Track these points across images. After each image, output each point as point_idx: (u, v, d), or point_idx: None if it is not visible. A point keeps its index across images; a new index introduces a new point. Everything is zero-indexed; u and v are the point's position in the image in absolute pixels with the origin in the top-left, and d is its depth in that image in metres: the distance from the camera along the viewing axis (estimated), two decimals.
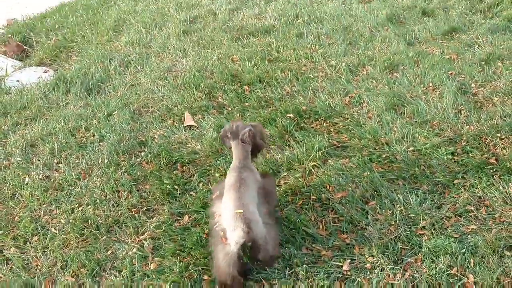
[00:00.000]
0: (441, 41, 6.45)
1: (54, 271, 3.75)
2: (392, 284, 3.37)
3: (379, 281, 3.39)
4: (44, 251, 3.93)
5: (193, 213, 4.09)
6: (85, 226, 4.10)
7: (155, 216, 4.14)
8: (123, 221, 4.11)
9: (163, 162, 4.68)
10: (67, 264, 3.79)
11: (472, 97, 5.17)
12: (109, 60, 6.88)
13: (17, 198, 4.52)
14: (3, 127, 5.60)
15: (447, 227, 3.75)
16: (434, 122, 4.83)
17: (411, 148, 4.52)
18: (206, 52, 6.76)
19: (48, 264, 3.81)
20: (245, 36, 7.11)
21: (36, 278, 3.72)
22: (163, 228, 3.98)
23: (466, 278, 3.33)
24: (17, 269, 3.80)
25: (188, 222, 4.02)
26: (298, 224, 3.87)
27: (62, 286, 3.60)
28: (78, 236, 4.01)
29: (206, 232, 3.88)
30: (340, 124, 4.99)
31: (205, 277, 3.55)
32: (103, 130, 5.27)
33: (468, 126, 4.68)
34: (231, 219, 3.26)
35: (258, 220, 3.34)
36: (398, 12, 7.35)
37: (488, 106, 5.00)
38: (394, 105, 5.16)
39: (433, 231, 3.71)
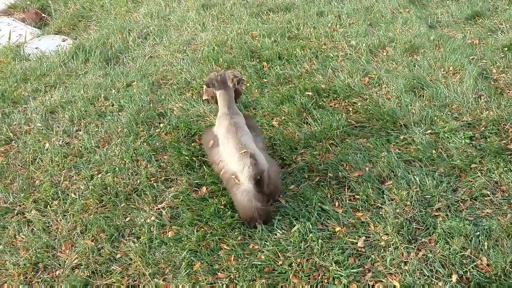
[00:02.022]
0: (464, 26, 6.38)
1: (74, 235, 3.84)
2: (405, 262, 3.42)
3: (393, 259, 3.44)
4: (64, 215, 4.02)
5: (210, 184, 4.15)
6: (104, 193, 4.18)
7: (173, 186, 4.20)
8: (141, 189, 4.18)
9: (182, 134, 4.73)
10: (86, 229, 3.88)
11: (492, 83, 5.13)
12: (128, 31, 6.87)
13: (38, 163, 4.60)
14: (23, 93, 5.65)
15: (462, 210, 3.78)
16: (453, 106, 4.82)
17: (429, 131, 4.53)
18: (226, 27, 6.73)
19: (68, 227, 3.90)
20: (265, 12, 7.07)
21: (56, 240, 3.82)
22: (181, 198, 4.05)
23: (479, 260, 3.38)
24: (38, 231, 3.90)
25: (206, 193, 4.08)
26: (314, 200, 3.92)
27: (82, 249, 3.69)
28: (98, 202, 4.09)
29: (223, 203, 3.94)
30: (359, 104, 4.99)
31: (223, 246, 3.62)
32: (122, 100, 5.31)
33: (487, 112, 4.67)
34: (238, 162, 3.64)
35: (261, 155, 3.73)
36: None
37: (508, 92, 4.97)
38: (413, 88, 5.14)
39: (448, 213, 3.74)
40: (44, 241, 3.79)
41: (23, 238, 3.85)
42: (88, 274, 3.52)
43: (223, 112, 4.06)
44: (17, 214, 4.09)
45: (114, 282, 3.45)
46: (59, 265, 3.63)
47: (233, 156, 3.72)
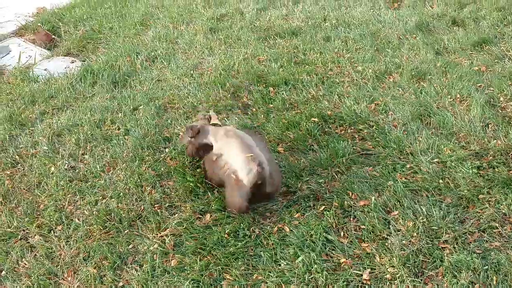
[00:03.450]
0: (471, 52, 6.38)
1: (77, 262, 3.82)
2: None
3: None
4: (68, 241, 4.00)
5: (215, 211, 4.13)
6: (108, 218, 4.16)
7: (177, 213, 4.18)
8: (145, 216, 4.16)
9: (187, 160, 4.72)
10: (89, 255, 3.85)
11: (500, 111, 5.11)
12: (136, 54, 6.94)
13: (43, 186, 4.60)
14: (31, 115, 5.69)
15: (470, 242, 3.72)
16: (461, 135, 4.79)
17: (436, 160, 4.49)
18: (233, 51, 6.78)
19: (71, 254, 3.88)
20: (272, 36, 7.12)
21: (59, 267, 3.79)
22: (184, 225, 4.02)
23: None
24: (41, 257, 3.88)
25: (210, 221, 4.05)
26: (319, 230, 3.87)
27: (84, 276, 3.66)
28: (101, 228, 4.07)
29: (227, 232, 3.91)
30: (365, 131, 4.98)
31: (227, 276, 3.57)
32: (128, 124, 5.33)
33: (495, 141, 4.63)
34: (243, 163, 3.91)
35: (265, 160, 3.95)
36: (427, 20, 7.28)
37: None
38: (420, 115, 5.12)
39: (455, 246, 3.68)
40: (47, 267, 3.77)
41: (25, 264, 3.83)
42: None
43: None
44: (20, 239, 4.08)
45: None
46: None
47: (237, 155, 3.99)
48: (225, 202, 4.16)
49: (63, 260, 3.83)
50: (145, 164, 4.72)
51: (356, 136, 4.95)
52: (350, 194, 4.20)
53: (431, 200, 4.08)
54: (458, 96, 5.38)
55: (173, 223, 4.05)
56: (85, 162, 4.86)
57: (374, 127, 5.02)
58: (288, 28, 7.31)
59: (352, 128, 5.06)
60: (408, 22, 7.23)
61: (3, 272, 3.79)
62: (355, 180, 4.34)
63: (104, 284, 3.62)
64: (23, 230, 4.16)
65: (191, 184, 4.41)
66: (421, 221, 3.87)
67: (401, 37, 6.87)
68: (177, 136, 5.08)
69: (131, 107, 5.65)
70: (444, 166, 4.43)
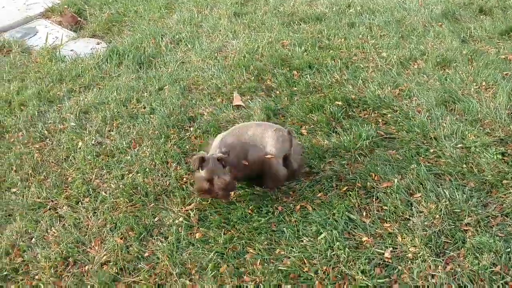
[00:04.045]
0: (497, 41, 6.31)
1: (104, 232, 3.93)
2: (433, 275, 3.39)
3: (420, 271, 3.41)
4: (95, 212, 4.11)
5: (238, 189, 4.19)
6: (134, 192, 4.26)
7: None
8: (171, 190, 4.25)
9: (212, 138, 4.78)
10: (116, 226, 3.95)
11: None
12: (160, 36, 7.01)
13: (71, 160, 4.72)
14: (59, 93, 5.81)
15: (493, 225, 3.73)
16: (485, 122, 4.77)
17: (460, 145, 4.49)
18: (257, 35, 6.80)
19: (98, 224, 3.99)
20: (296, 22, 7.12)
21: (86, 236, 3.90)
22: (209, 201, 4.09)
23: (509, 277, 3.32)
24: (69, 226, 4.00)
25: (234, 197, 4.12)
26: (342, 209, 3.92)
27: (111, 246, 3.76)
28: (127, 201, 4.17)
29: (250, 208, 3.98)
30: (389, 115, 4.98)
31: (250, 250, 3.64)
32: (154, 103, 5.41)
33: None
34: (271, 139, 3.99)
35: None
36: (453, 8, 7.20)
37: None
38: (444, 101, 5.10)
39: (478, 228, 3.69)
40: (75, 236, 3.89)
41: (54, 233, 3.95)
42: (116, 271, 3.59)
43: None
44: (49, 209, 4.20)
45: (142, 280, 3.50)
46: (89, 260, 3.71)
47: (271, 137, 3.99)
48: (267, 184, 4.16)
49: (91, 230, 3.95)
50: (170, 142, 4.80)
51: (380, 120, 4.95)
52: (373, 176, 4.23)
53: (454, 184, 4.09)
54: (484, 83, 5.34)
55: (198, 198, 4.13)
56: (111, 138, 4.96)
57: (398, 112, 5.02)
58: (312, 14, 7.30)
59: (376, 112, 5.06)
60: (433, 10, 7.16)
61: (33, 240, 3.92)
62: (378, 163, 4.36)
63: (130, 254, 3.72)
64: (52, 201, 4.28)
65: None
66: (443, 203, 3.88)
67: (426, 24, 6.81)
68: (201, 116, 5.16)
69: (157, 87, 5.73)
70: (468, 152, 4.42)
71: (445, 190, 4.00)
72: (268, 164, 3.99)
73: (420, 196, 3.99)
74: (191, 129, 4.98)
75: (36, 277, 3.63)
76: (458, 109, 4.98)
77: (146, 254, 3.71)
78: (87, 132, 5.04)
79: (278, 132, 4.01)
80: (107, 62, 6.46)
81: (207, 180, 3.77)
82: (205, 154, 3.80)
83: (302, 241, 3.72)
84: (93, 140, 4.93)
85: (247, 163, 3.98)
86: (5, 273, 3.68)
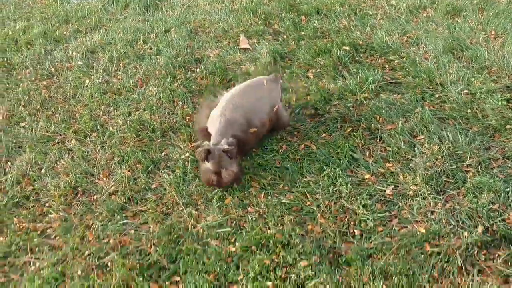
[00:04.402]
0: None
1: (112, 164, 4.01)
2: (432, 211, 3.47)
3: (420, 208, 3.50)
4: (103, 146, 4.18)
5: None
6: (141, 128, 4.32)
7: None
8: (177, 127, 4.31)
9: (218, 79, 4.81)
10: (123, 159, 4.03)
11: None
12: None
13: (78, 97, 4.76)
14: (65, 33, 5.79)
15: (494, 167, 3.79)
16: (492, 69, 4.76)
17: (466, 91, 4.50)
18: None
19: (106, 157, 4.07)
20: None
21: (94, 168, 3.99)
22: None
23: (507, 215, 3.40)
24: (77, 158, 4.08)
25: None
26: (345, 148, 3.97)
27: (119, 177, 3.85)
28: (135, 136, 4.24)
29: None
30: (396, 61, 4.97)
31: (254, 184, 3.73)
32: (160, 45, 5.40)
33: None
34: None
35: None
36: None
37: None
38: (452, 49, 5.08)
39: (479, 170, 3.75)
40: (83, 168, 3.97)
41: (63, 164, 4.03)
42: (124, 200, 3.69)
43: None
44: (58, 143, 4.28)
45: (149, 209, 3.60)
46: (97, 190, 3.81)
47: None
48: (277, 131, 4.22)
49: (99, 163, 4.03)
50: (177, 82, 4.83)
51: (387, 66, 4.95)
52: (378, 118, 4.27)
53: (458, 128, 4.13)
54: (493, 32, 5.29)
55: None
56: (118, 77, 4.99)
57: (405, 58, 5.01)
58: None
59: (383, 58, 5.05)
60: None
61: (43, 170, 4.01)
62: (383, 106, 4.39)
63: (138, 185, 3.82)
64: (60, 135, 4.35)
65: None
66: (446, 145, 3.93)
67: None
68: (207, 58, 5.15)
69: (163, 29, 5.70)
70: (473, 97, 4.44)
71: (448, 133, 4.05)
72: (276, 116, 4.08)
73: (423, 138, 4.04)
74: (197, 70, 4.99)
75: (47, 204, 3.73)
76: (465, 57, 4.96)
77: (153, 186, 3.80)
78: (94, 71, 5.06)
79: (270, 83, 4.10)
80: (113, 5, 6.42)
81: (215, 173, 3.63)
82: (210, 146, 3.61)
83: (306, 177, 3.80)
84: (100, 78, 4.95)
85: (255, 130, 3.90)
86: (17, 200, 3.79)
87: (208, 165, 3.62)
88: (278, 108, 4.05)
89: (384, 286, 2.97)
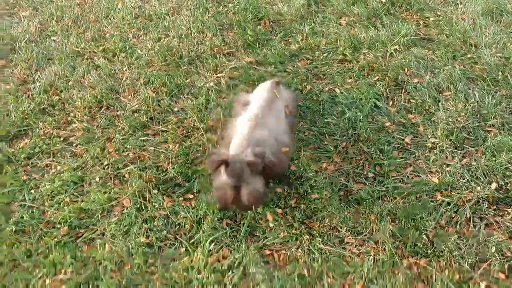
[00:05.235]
0: None
1: (137, 84, 4.07)
2: (448, 164, 3.48)
3: (436, 160, 3.51)
4: (130, 66, 4.24)
5: (270, 65, 4.25)
6: (169, 54, 4.35)
7: (234, 61, 4.32)
8: (204, 57, 4.33)
9: (249, 16, 4.77)
10: (149, 81, 4.09)
11: None
12: None
13: (110, 18, 4.79)
14: None
15: None
16: None
17: (499, 55, 4.40)
18: None
19: (132, 77, 4.13)
20: None
21: (120, 86, 4.06)
22: (240, 71, 4.17)
23: None
24: (104, 75, 4.15)
25: (265, 72, 4.19)
26: (370, 95, 3.96)
27: (143, 97, 3.92)
28: (162, 61, 4.28)
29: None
30: (431, 19, 4.87)
31: None
32: None
33: None
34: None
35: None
36: None
37: None
38: (491, 12, 4.94)
39: (501, 131, 3.72)
40: (110, 84, 4.04)
41: (90, 79, 4.11)
42: (147, 119, 3.77)
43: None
44: (86, 59, 4.35)
45: (170, 130, 3.68)
46: (121, 107, 3.88)
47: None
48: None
49: (125, 81, 4.09)
50: (208, 14, 4.81)
51: (421, 22, 4.85)
52: (406, 70, 4.22)
53: (486, 89, 4.07)
54: None
55: (230, 68, 4.21)
56: (151, 3, 4.99)
57: (442, 16, 4.90)
58: None
59: (419, 14, 4.95)
60: None
61: (70, 82, 4.10)
62: (412, 59, 4.33)
63: (161, 107, 3.88)
64: (89, 52, 4.41)
65: (250, 38, 4.50)
66: (471, 104, 3.89)
67: None
68: None
69: None
70: (506, 61, 4.35)
71: (475, 93, 4.00)
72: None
73: (449, 95, 4.00)
74: (230, 5, 4.95)
75: (71, 114, 3.83)
76: (504, 21, 4.83)
77: (176, 109, 3.87)
78: None
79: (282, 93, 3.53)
80: None
81: (233, 189, 2.88)
82: (229, 156, 2.88)
83: (326, 118, 3.81)
84: (133, 2, 4.95)
85: (287, 150, 3.26)
86: (43, 107, 3.89)
87: (224, 179, 2.88)
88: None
89: (390, 227, 3.03)
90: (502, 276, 2.79)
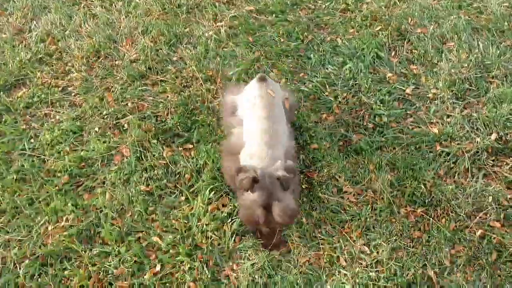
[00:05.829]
0: None
1: (135, 34, 4.00)
2: (449, 115, 3.46)
3: (437, 111, 3.48)
4: (127, 15, 4.15)
5: (271, 13, 4.15)
6: (167, 2, 4.25)
7: (233, 9, 4.22)
8: (203, 6, 4.23)
9: None
10: (147, 30, 4.02)
11: None
12: None
13: None
14: None
15: None
16: None
17: (506, 4, 4.29)
18: None
19: (130, 26, 4.05)
20: None
21: (118, 35, 3.99)
22: (240, 21, 4.08)
23: None
24: (102, 24, 4.07)
25: (265, 22, 4.09)
26: (371, 46, 3.89)
27: (141, 46, 3.85)
28: (160, 10, 4.19)
29: (280, 32, 3.99)
30: None
31: (275, 70, 3.72)
32: None
33: None
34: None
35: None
36: None
37: None
38: None
39: (504, 82, 3.68)
40: (107, 33, 3.97)
41: (87, 28, 4.03)
42: (145, 69, 3.72)
43: None
44: (83, 7, 4.25)
45: (169, 80, 3.64)
46: (119, 56, 3.83)
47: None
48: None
49: (122, 31, 4.02)
50: None
51: None
52: (409, 19, 4.13)
53: (491, 40, 3.99)
54: None
55: (229, 17, 4.12)
56: None
57: None
58: None
59: None
60: None
61: (67, 32, 4.03)
62: (416, 9, 4.23)
63: (159, 56, 3.83)
64: (86, 0, 4.30)
65: None
66: (474, 55, 3.83)
67: None
68: None
69: None
70: None
71: (479, 43, 3.93)
72: None
73: (453, 45, 3.93)
74: None
75: (69, 63, 3.79)
76: None
77: (174, 58, 3.81)
78: None
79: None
80: None
81: (263, 207, 2.53)
82: (257, 172, 2.54)
83: (327, 68, 3.76)
84: None
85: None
86: (40, 56, 3.84)
87: (252, 196, 2.55)
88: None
89: (389, 176, 3.04)
90: (497, 224, 2.83)
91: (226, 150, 2.97)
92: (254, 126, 2.82)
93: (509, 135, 3.31)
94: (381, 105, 3.49)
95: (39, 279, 2.57)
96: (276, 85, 3.08)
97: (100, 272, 2.60)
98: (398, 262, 2.65)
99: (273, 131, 2.77)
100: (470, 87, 3.65)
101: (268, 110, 2.84)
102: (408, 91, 3.60)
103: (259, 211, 2.50)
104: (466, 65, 3.77)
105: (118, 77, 3.66)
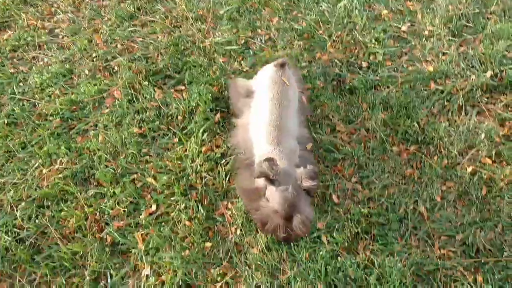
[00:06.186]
0: None
1: None
2: (444, 53, 3.41)
3: (432, 48, 3.43)
4: None
5: None
6: None
7: None
8: None
9: None
10: None
11: None
12: None
13: None
14: None
15: None
16: None
17: None
18: None
19: None
20: None
21: None
22: None
23: None
24: None
25: None
26: None
27: None
28: None
29: None
30: None
31: (267, 8, 3.62)
32: None
33: None
34: None
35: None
36: None
37: None
38: None
39: (502, 18, 3.60)
40: None
41: None
42: (134, 9, 3.62)
43: None
44: None
45: (158, 20, 3.54)
46: None
47: None
48: None
49: None
50: None
51: None
52: None
53: None
54: None
55: None
56: None
57: None
58: None
59: None
60: None
61: None
62: None
63: None
64: None
65: None
66: None
67: None
68: None
69: None
70: None
71: None
72: None
73: None
74: None
75: (55, 5, 3.68)
76: None
77: None
78: None
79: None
80: None
81: (285, 220, 2.40)
82: (279, 171, 2.41)
83: (321, 6, 3.67)
84: None
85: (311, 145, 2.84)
86: None
87: (272, 205, 2.43)
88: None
89: (382, 115, 3.03)
90: (488, 161, 2.85)
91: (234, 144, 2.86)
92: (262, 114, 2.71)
93: (504, 72, 3.27)
94: (376, 43, 3.43)
95: (36, 220, 2.61)
96: (292, 72, 2.92)
97: (96, 213, 2.64)
98: (390, 199, 2.69)
99: (282, 122, 2.64)
100: (467, 24, 3.57)
101: (277, 108, 2.68)
102: (403, 28, 3.53)
103: (279, 222, 2.39)
104: (464, 0, 3.67)
105: (106, 18, 3.57)
